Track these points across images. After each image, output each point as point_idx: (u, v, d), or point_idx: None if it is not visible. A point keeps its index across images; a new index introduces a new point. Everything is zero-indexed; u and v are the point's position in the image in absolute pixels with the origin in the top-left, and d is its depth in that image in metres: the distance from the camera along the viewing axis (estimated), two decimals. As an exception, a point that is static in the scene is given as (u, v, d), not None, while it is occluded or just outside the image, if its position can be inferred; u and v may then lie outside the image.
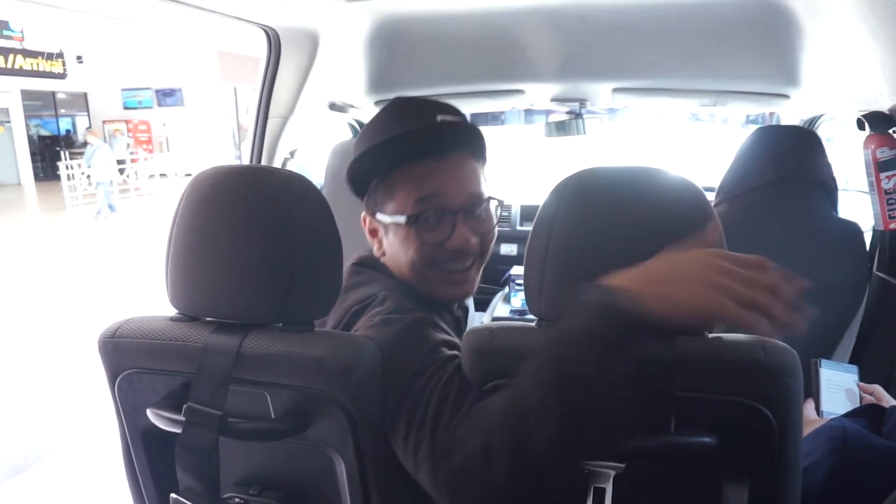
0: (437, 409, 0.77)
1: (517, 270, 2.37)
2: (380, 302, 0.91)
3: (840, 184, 1.62)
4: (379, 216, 0.99)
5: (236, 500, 0.88)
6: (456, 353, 0.85)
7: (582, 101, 2.04)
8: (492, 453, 0.66)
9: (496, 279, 2.61)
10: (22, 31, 15.04)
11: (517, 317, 2.18)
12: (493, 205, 1.01)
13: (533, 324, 0.82)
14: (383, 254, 1.02)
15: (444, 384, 0.79)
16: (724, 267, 0.62)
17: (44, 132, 18.47)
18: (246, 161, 1.69)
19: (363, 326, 0.88)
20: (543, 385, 0.64)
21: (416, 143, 0.94)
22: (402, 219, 0.95)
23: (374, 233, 1.02)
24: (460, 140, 0.97)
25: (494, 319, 2.19)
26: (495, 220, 1.01)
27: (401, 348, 0.83)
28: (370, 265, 1.02)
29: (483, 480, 0.67)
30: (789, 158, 1.55)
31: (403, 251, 0.97)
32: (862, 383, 1.17)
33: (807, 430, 0.92)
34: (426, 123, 0.94)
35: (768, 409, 0.70)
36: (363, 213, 1.02)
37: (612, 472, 0.72)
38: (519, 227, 2.83)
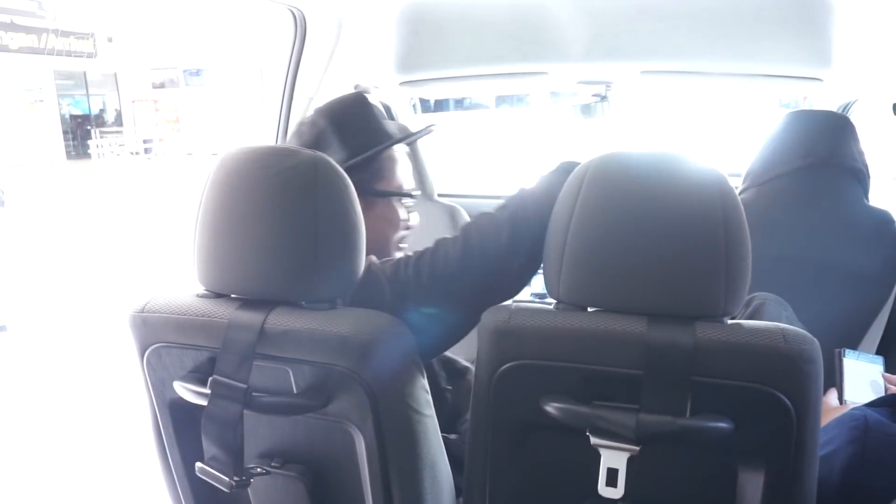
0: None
1: (539, 254, 2.36)
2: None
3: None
4: (376, 187, 1.07)
5: (258, 470, 0.91)
6: None
7: (608, 84, 2.01)
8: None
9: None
10: (55, 12, 15.27)
11: (537, 300, 2.18)
12: None
13: (552, 306, 0.82)
14: None
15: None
16: None
17: (75, 111, 18.83)
18: (271, 141, 1.71)
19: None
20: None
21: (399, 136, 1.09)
22: (402, 192, 1.08)
23: None
24: None
25: (514, 302, 2.20)
26: None
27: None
28: None
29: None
30: (820, 144, 1.51)
31: (388, 225, 1.09)
32: (888, 374, 1.15)
33: (828, 419, 0.91)
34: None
35: (786, 396, 0.70)
36: None
37: (627, 454, 0.73)
38: None
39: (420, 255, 0.94)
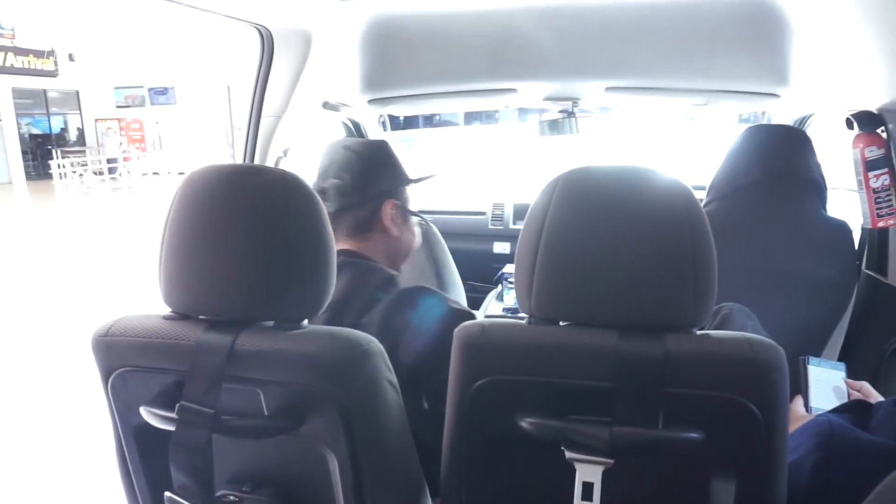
0: None
1: (510, 269, 2.38)
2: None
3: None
4: (410, 208, 1.28)
5: (230, 497, 0.88)
6: None
7: (575, 100, 2.05)
8: None
9: (489, 277, 2.62)
10: (13, 29, 14.94)
11: (510, 315, 2.19)
12: None
13: (524, 321, 0.82)
14: (397, 235, 1.24)
15: None
16: None
17: (35, 130, 18.34)
18: (239, 160, 1.69)
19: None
20: None
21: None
22: (422, 215, 1.29)
23: (394, 218, 1.23)
24: None
25: (487, 317, 2.20)
26: None
27: None
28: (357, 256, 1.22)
29: None
30: (778, 157, 1.57)
31: (413, 238, 1.29)
32: (850, 380, 1.18)
33: (794, 426, 0.93)
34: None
35: (755, 404, 0.71)
36: (391, 200, 1.21)
37: (602, 467, 0.73)
38: (512, 226, 2.84)
39: None
